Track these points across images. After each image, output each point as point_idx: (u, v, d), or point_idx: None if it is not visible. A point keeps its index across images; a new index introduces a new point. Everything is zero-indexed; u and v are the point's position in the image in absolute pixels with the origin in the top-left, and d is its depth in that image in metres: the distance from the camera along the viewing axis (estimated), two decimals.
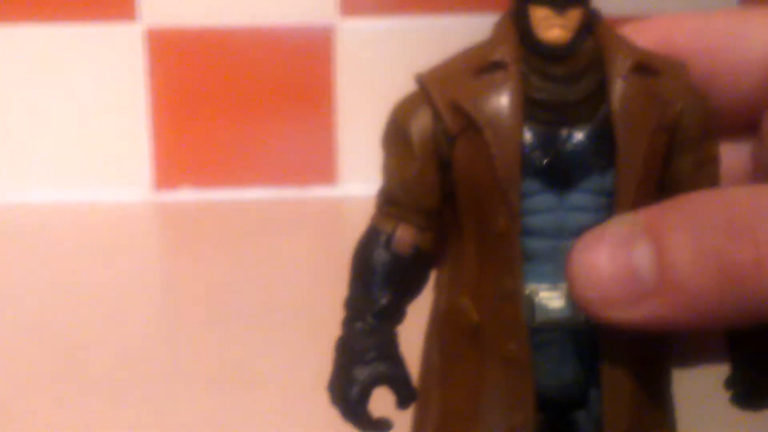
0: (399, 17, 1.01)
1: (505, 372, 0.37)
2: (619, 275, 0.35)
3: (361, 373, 0.38)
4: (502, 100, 0.36)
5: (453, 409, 0.39)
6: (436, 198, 0.38)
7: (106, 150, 1.03)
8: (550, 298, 0.37)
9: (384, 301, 0.38)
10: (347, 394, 0.38)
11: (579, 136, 0.37)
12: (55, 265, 0.88)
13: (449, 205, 0.38)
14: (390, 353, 0.39)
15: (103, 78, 1.02)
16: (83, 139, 1.02)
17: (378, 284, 0.38)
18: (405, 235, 0.38)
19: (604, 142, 0.37)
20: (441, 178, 0.38)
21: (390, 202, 0.39)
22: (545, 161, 0.36)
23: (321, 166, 1.03)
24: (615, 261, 0.35)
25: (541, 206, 0.37)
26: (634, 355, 0.38)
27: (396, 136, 0.38)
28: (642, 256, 0.35)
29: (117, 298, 0.82)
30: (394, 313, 0.39)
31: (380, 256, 0.38)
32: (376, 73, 1.01)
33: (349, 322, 0.39)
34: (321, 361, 0.70)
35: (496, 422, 0.38)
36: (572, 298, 0.36)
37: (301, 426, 0.63)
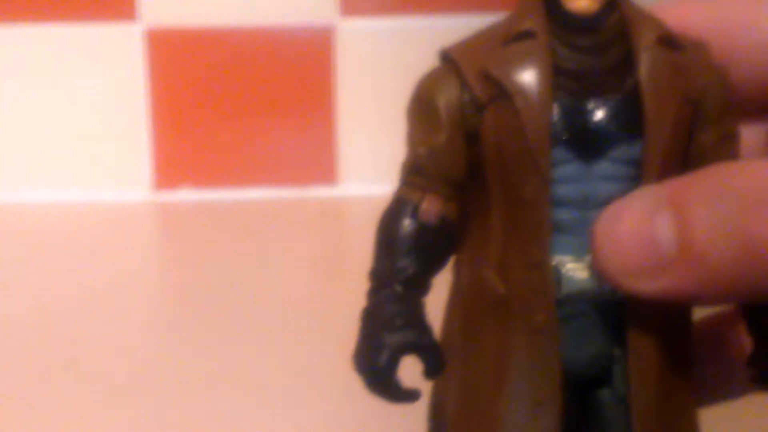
0: (399, 17, 1.01)
1: (531, 344, 0.37)
2: (640, 246, 0.36)
3: (390, 339, 0.37)
4: (532, 68, 0.36)
5: (476, 382, 0.38)
6: (462, 168, 0.38)
7: (106, 150, 1.03)
8: (577, 270, 0.37)
9: (411, 269, 0.38)
10: (375, 361, 0.38)
11: (607, 105, 0.37)
12: (54, 265, 0.88)
13: (473, 179, 0.38)
14: (418, 321, 0.38)
15: (103, 78, 1.02)
16: (83, 139, 1.02)
17: (405, 253, 0.38)
18: (432, 205, 0.38)
19: (631, 112, 0.37)
20: (467, 149, 0.38)
21: (416, 173, 0.38)
22: (573, 130, 0.37)
23: (321, 166, 1.03)
24: (637, 232, 0.36)
25: (569, 175, 0.37)
26: (661, 326, 0.38)
27: (422, 107, 0.38)
28: (664, 228, 0.35)
29: (117, 298, 0.82)
30: (421, 283, 0.38)
31: (407, 225, 0.38)
32: (376, 73, 1.01)
33: (374, 292, 0.38)
34: (321, 361, 0.71)
35: (522, 395, 0.38)
36: (595, 269, 0.37)
37: (301, 426, 0.63)
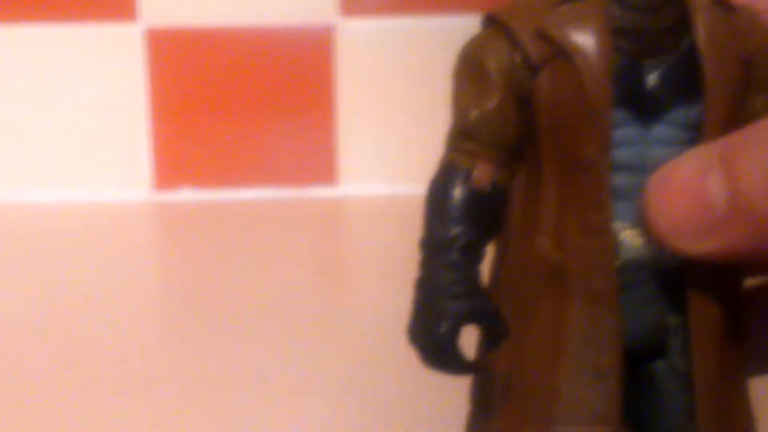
0: (399, 17, 1.01)
1: (590, 312, 0.37)
2: (692, 205, 0.35)
3: (450, 307, 0.36)
4: (589, 28, 0.36)
5: (531, 355, 0.38)
6: (515, 133, 0.37)
7: (106, 150, 1.03)
8: (634, 236, 0.37)
9: (466, 237, 0.37)
10: (435, 330, 0.36)
11: (663, 66, 0.37)
12: (55, 265, 0.88)
13: (524, 144, 0.38)
14: (477, 288, 0.37)
15: (103, 78, 1.02)
16: (83, 139, 1.02)
17: (459, 220, 0.37)
18: (484, 172, 0.38)
19: (689, 73, 0.37)
20: (519, 113, 0.37)
21: (467, 138, 0.38)
22: (631, 91, 0.36)
23: (321, 166, 1.03)
24: (688, 191, 0.35)
25: (626, 138, 0.37)
26: (720, 295, 0.37)
27: (472, 70, 0.38)
28: (714, 185, 0.35)
29: (117, 298, 0.82)
30: (476, 251, 0.38)
31: (459, 192, 0.37)
32: (376, 73, 1.01)
33: (428, 261, 0.37)
34: (321, 361, 0.70)
35: (581, 365, 0.37)
36: (648, 231, 0.36)
37: (302, 426, 0.63)
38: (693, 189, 0.35)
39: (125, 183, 1.03)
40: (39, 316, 0.79)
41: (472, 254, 0.37)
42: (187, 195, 1.03)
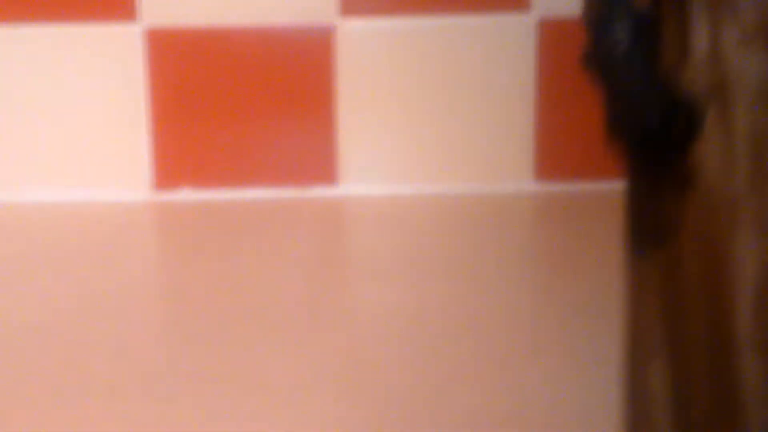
0: (399, 17, 1.01)
1: None
2: None
3: (656, 95, 0.36)
4: None
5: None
6: None
7: (106, 150, 1.03)
8: None
9: (643, 46, 0.37)
10: (647, 122, 0.37)
11: None
12: (54, 265, 0.88)
13: None
14: (672, 82, 0.37)
15: (103, 78, 1.02)
16: (83, 139, 1.02)
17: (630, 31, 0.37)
18: None
19: None
20: None
21: None
22: None
23: (321, 166, 1.03)
24: None
25: None
26: None
27: None
28: None
29: (117, 299, 0.82)
30: (653, 62, 0.38)
31: (625, 10, 0.38)
32: (376, 73, 1.01)
33: (611, 68, 0.38)
34: (321, 360, 0.71)
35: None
36: None
37: (301, 426, 0.63)
38: None
39: (125, 183, 1.03)
40: (39, 316, 0.79)
41: (651, 60, 0.37)
42: (187, 195, 1.03)
